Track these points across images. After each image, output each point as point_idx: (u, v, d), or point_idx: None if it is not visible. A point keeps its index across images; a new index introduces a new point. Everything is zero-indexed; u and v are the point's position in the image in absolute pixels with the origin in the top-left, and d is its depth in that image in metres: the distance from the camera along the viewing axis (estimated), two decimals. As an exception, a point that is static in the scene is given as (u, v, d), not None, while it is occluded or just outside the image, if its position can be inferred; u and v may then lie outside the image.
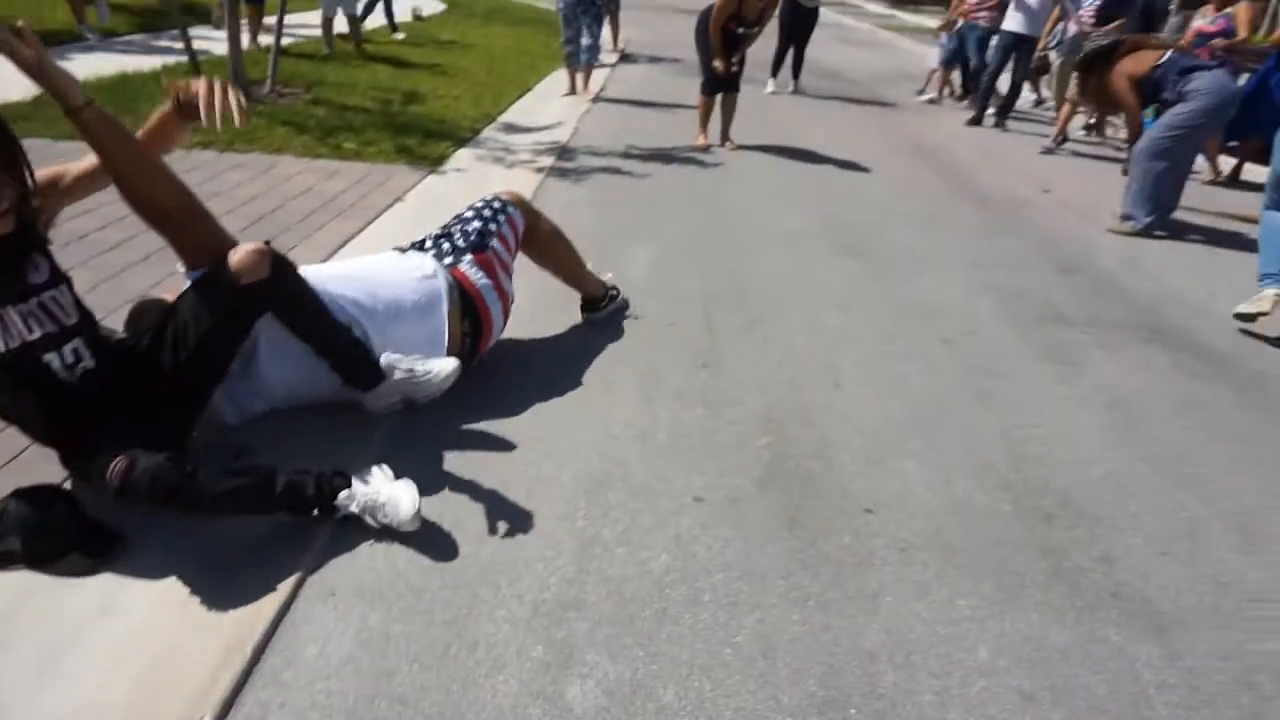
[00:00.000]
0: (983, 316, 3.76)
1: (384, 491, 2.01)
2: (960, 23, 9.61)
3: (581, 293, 3.30)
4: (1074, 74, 6.56)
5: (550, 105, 7.79)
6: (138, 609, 1.77)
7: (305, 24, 9.95)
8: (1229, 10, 7.41)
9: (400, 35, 10.89)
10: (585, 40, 8.15)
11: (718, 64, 6.26)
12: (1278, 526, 2.44)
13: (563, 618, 1.86)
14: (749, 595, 1.98)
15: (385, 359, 2.33)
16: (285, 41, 7.08)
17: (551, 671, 1.72)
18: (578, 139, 6.49)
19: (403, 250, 2.75)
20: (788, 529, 2.23)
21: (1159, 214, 5.26)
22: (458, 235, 2.81)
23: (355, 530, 2.02)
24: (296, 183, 4.69)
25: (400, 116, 6.42)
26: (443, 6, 15.47)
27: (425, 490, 2.14)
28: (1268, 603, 2.12)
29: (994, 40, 8.96)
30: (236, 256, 2.00)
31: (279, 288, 2.09)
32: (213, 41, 8.10)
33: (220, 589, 1.81)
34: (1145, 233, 5.24)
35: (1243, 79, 6.91)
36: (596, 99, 8.24)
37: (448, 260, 2.69)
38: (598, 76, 8.48)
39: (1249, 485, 2.64)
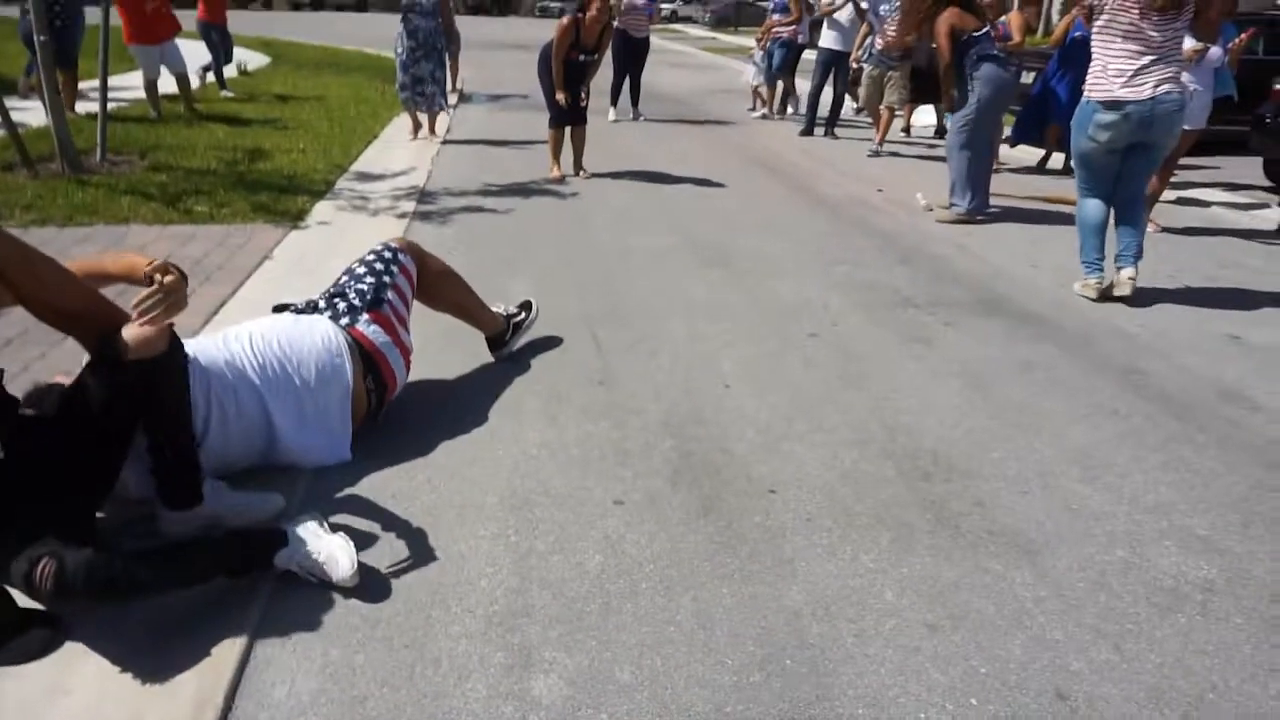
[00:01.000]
0: (841, 310, 4.12)
1: (322, 549, 2.05)
2: (767, 41, 10.45)
3: (483, 331, 3.33)
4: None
5: (399, 151, 7.82)
6: (88, 686, 1.77)
7: (125, 86, 9.55)
8: (1004, 18, 8.29)
9: (229, 93, 10.61)
10: (430, 87, 8.19)
11: (560, 96, 6.48)
12: (1108, 458, 2.84)
13: (515, 625, 1.99)
14: (680, 579, 2.16)
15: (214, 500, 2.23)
16: (109, 107, 6.81)
17: (515, 672, 1.85)
18: (434, 182, 6.56)
19: (298, 310, 2.73)
20: (704, 517, 2.43)
21: (979, 197, 5.86)
22: (351, 294, 2.79)
23: (291, 586, 2.07)
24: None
25: (249, 175, 6.31)
26: (267, 60, 15.12)
27: (358, 527, 2.22)
28: (1109, 519, 2.49)
29: (783, 54, 9.90)
30: (133, 331, 1.96)
31: (169, 368, 2.06)
32: (26, 112, 7.68)
33: (172, 652, 1.83)
34: (970, 216, 5.82)
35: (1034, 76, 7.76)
36: (445, 141, 8.31)
37: (344, 321, 2.69)
38: (441, 119, 8.56)
39: (1082, 428, 3.05)
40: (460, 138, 8.61)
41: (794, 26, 10.28)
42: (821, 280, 4.55)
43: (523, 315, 3.43)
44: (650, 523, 2.39)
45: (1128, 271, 4.38)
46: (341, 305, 2.75)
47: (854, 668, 1.89)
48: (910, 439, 2.91)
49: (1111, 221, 4.44)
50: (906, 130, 9.94)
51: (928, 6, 6.02)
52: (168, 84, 8.88)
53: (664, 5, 40.79)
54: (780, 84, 11.01)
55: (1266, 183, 7.69)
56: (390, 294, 2.85)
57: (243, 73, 12.47)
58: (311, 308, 2.76)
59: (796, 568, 2.22)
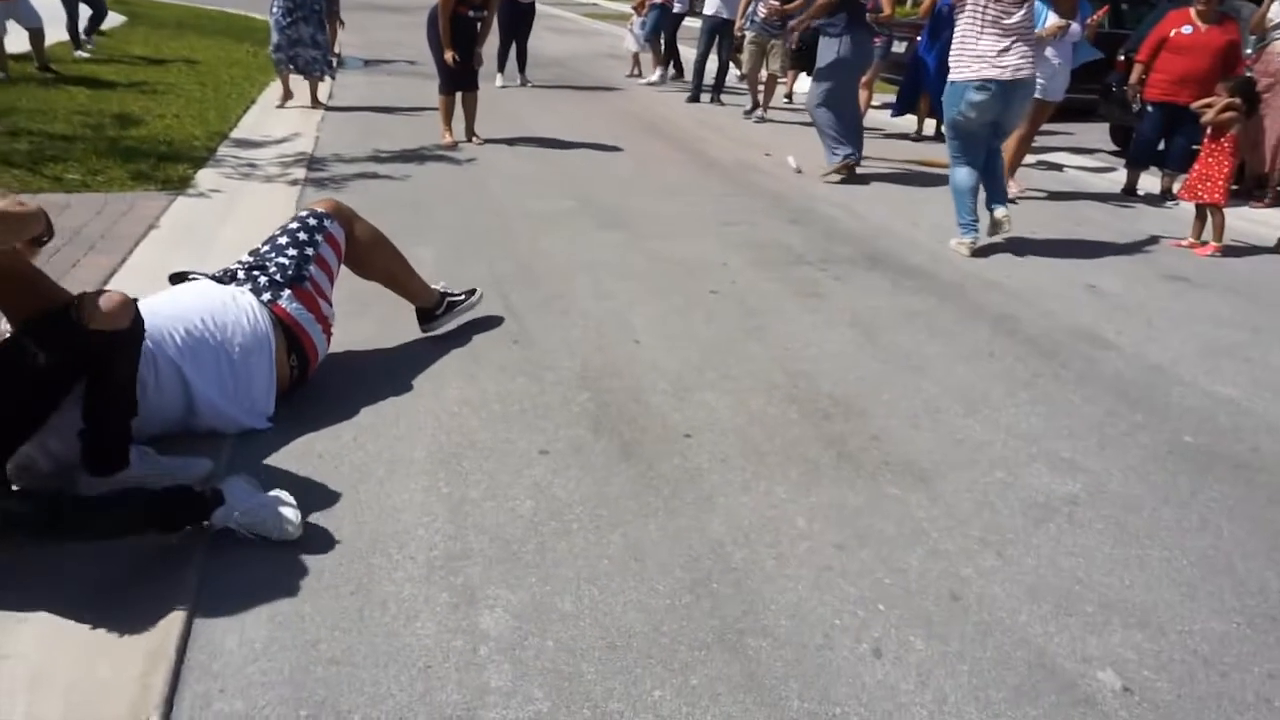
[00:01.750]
0: (739, 267, 4.31)
1: (263, 505, 2.08)
2: (646, 8, 10.60)
3: (413, 302, 3.24)
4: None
5: (280, 117, 7.56)
6: (27, 648, 1.76)
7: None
8: (877, -9, 8.65)
9: (84, 53, 9.92)
10: (311, 51, 7.91)
11: (448, 54, 6.40)
12: (985, 394, 3.13)
13: (456, 567, 2.08)
14: (609, 517, 2.30)
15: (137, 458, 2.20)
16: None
17: (461, 610, 1.94)
18: (322, 148, 6.40)
19: (219, 280, 2.68)
20: (626, 461, 2.57)
21: (854, 147, 6.21)
22: (273, 268, 2.72)
23: (230, 542, 2.09)
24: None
25: (122, 141, 5.99)
26: (122, 19, 14.15)
27: (289, 486, 2.25)
28: (988, 446, 2.76)
29: (656, 19, 10.13)
30: (104, 301, 1.94)
31: (129, 342, 2.05)
32: None
33: (115, 610, 1.84)
34: (849, 165, 6.13)
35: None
36: (328, 108, 8.07)
37: (266, 296, 2.63)
38: (322, 85, 8.27)
39: (962, 368, 3.34)
40: (343, 104, 8.37)
41: None
42: (718, 240, 4.74)
43: (463, 296, 3.35)
44: (575, 468, 2.52)
45: (1001, 210, 4.82)
46: (263, 280, 2.68)
47: (774, 586, 2.08)
48: (810, 383, 3.12)
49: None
50: (789, 97, 10.25)
51: None
52: (16, 42, 8.25)
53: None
54: (661, 49, 11.15)
55: (1113, 146, 8.34)
56: (313, 267, 2.79)
57: (99, 32, 11.66)
58: (230, 277, 2.70)
59: (715, 503, 2.39)
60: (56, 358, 1.91)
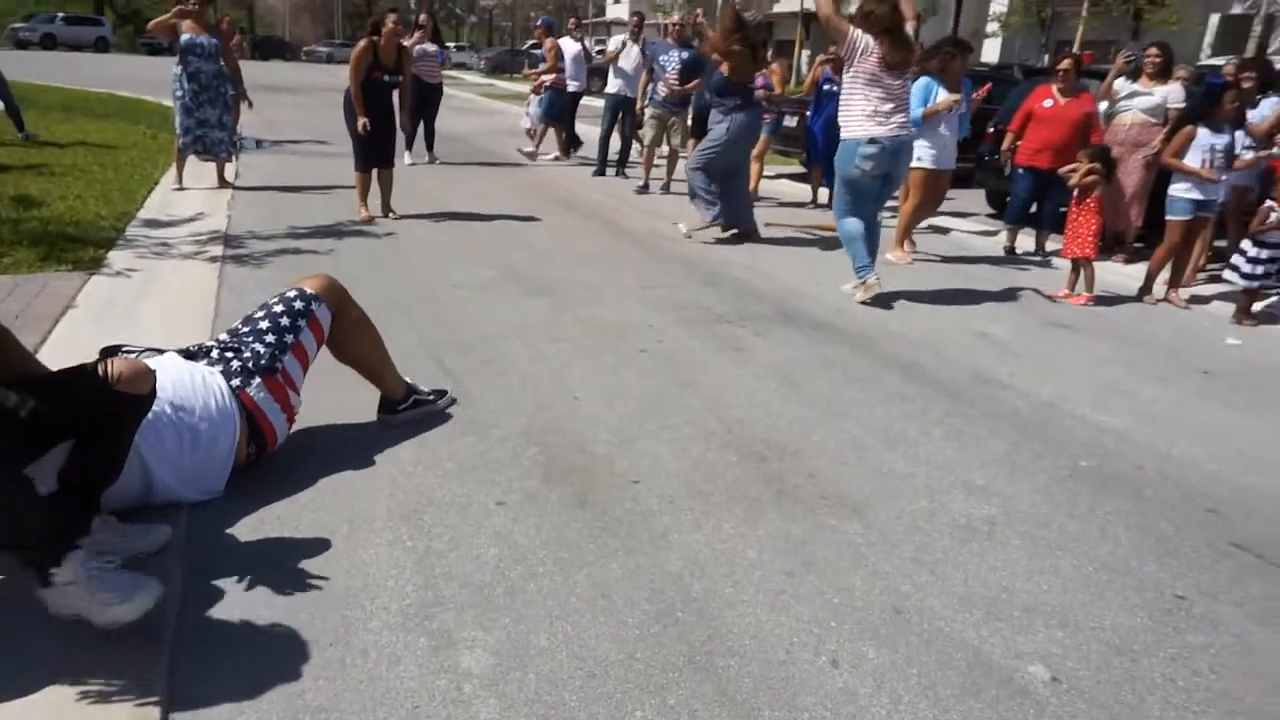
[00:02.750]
0: (663, 327, 4.53)
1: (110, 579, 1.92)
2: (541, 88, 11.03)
3: (381, 390, 3.16)
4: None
5: (187, 197, 7.47)
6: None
7: None
8: (765, 71, 9.26)
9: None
10: (218, 133, 7.90)
11: (361, 123, 6.49)
12: (903, 432, 3.40)
13: (430, 614, 2.15)
14: (571, 560, 2.41)
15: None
16: None
17: (441, 652, 2.02)
18: (236, 226, 6.38)
19: (189, 355, 2.64)
20: (581, 508, 2.69)
21: (717, 208, 6.69)
22: (248, 352, 2.66)
23: (202, 603, 2.12)
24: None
25: (24, 223, 5.84)
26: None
27: (251, 547, 2.29)
28: (911, 478, 3.00)
29: (549, 100, 10.85)
30: (129, 365, 1.96)
31: (141, 409, 2.07)
32: None
33: (91, 682, 1.83)
34: (715, 223, 6.61)
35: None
36: (235, 187, 8.03)
37: (235, 382, 2.59)
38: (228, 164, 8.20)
39: (879, 410, 3.61)
40: (250, 184, 8.34)
41: (555, 75, 10.84)
42: (640, 303, 4.96)
43: (431, 398, 3.28)
44: (533, 517, 2.62)
45: (872, 277, 5.27)
46: (235, 364, 2.63)
47: (734, 611, 2.22)
48: (744, 429, 3.32)
49: None
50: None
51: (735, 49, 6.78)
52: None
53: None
54: (554, 129, 11.51)
55: (989, 210, 9.06)
56: (288, 357, 2.74)
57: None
58: (201, 354, 2.66)
59: (670, 540, 2.54)
60: (70, 411, 1.92)
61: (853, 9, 5.82)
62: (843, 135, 5.16)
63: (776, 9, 33.81)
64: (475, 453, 3.02)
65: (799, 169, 10.12)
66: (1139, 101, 6.47)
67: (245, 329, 2.77)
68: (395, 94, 6.86)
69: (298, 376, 2.80)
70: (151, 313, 4.33)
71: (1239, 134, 5.71)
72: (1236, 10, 19.17)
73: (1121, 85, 6.59)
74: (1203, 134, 5.63)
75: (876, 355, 4.31)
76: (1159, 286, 5.94)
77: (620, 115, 10.07)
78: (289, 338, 2.76)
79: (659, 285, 5.38)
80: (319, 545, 2.40)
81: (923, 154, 6.20)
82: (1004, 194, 8.53)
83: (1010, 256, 7.11)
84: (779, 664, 2.04)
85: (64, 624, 1.91)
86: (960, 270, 6.47)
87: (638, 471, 2.94)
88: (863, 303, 5.17)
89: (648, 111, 9.34)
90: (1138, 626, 2.26)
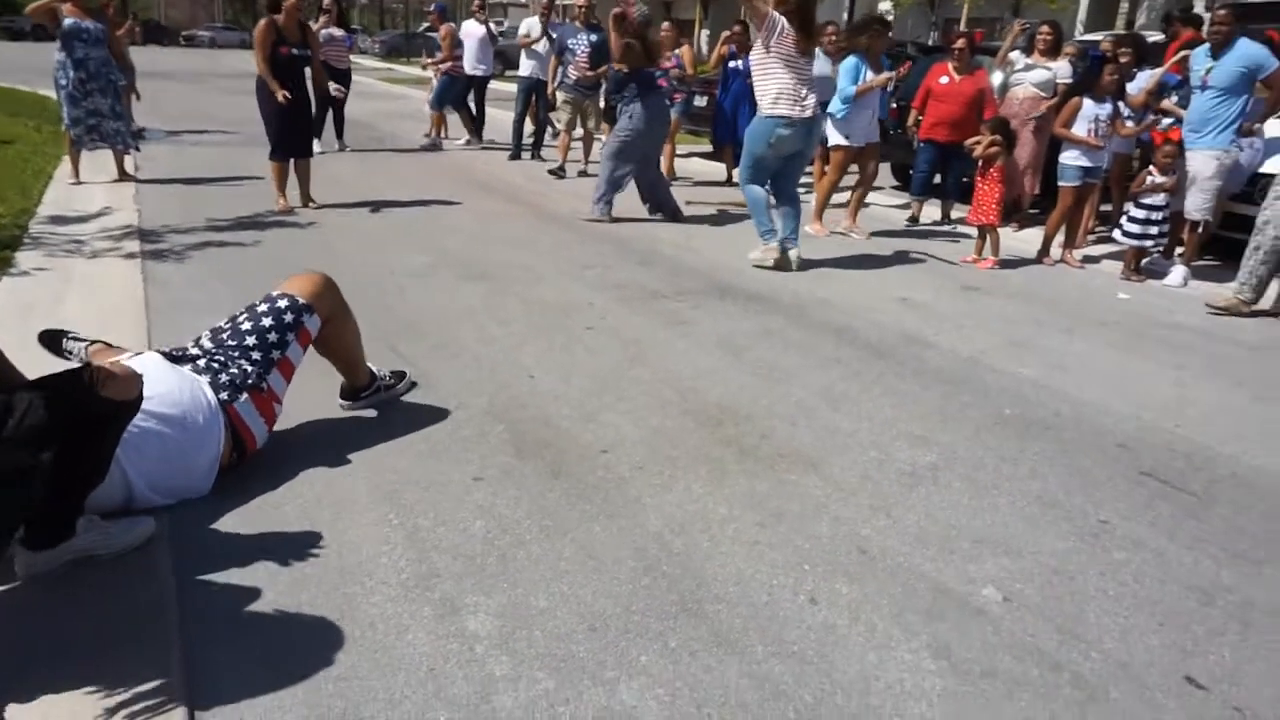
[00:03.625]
0: (605, 305, 4.65)
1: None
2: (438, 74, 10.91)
3: (346, 378, 3.17)
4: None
5: (87, 192, 7.17)
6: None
7: None
8: (677, 51, 9.41)
9: None
10: (112, 123, 7.58)
11: (279, 93, 6.30)
12: (844, 392, 3.62)
13: (429, 584, 2.24)
14: (555, 526, 2.53)
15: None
16: None
17: (446, 619, 2.12)
18: (149, 221, 6.18)
19: (172, 358, 2.62)
20: (555, 479, 2.81)
21: (609, 202, 6.87)
22: (235, 369, 2.63)
23: (199, 595, 2.16)
24: None
25: (-85, 224, 5.55)
26: None
27: (240, 537, 2.33)
28: (857, 433, 3.23)
29: (444, 86, 10.74)
30: (118, 370, 1.95)
31: (128, 415, 2.06)
32: None
33: (102, 683, 1.86)
34: (604, 217, 6.80)
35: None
36: (137, 180, 7.73)
37: (223, 395, 2.57)
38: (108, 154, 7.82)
39: (819, 374, 3.83)
40: (152, 177, 8.03)
41: (451, 63, 10.72)
42: (579, 283, 5.07)
43: (393, 382, 3.32)
44: (512, 489, 2.73)
45: (795, 251, 5.60)
46: (223, 378, 2.61)
47: (715, 562, 2.39)
48: (697, 397, 3.49)
49: (779, 215, 5.67)
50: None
51: (624, 45, 6.95)
52: None
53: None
54: (460, 115, 11.36)
55: (895, 182, 9.47)
56: (274, 373, 2.73)
57: None
58: (187, 359, 2.64)
59: (645, 503, 2.68)
60: (57, 420, 1.86)
61: None
62: (761, 113, 5.37)
63: (674, -13, 33.97)
64: (444, 433, 3.10)
65: (709, 148, 10.32)
66: (1032, 75, 6.90)
67: (231, 341, 2.71)
68: (308, 75, 6.72)
69: (281, 389, 2.79)
70: (76, 312, 4.20)
71: (1120, 105, 6.17)
72: (1106, -13, 20.33)
73: (1016, 58, 7.00)
74: (1087, 105, 6.07)
75: (810, 323, 4.55)
76: (1055, 249, 6.37)
77: (534, 98, 10.07)
78: (276, 354, 2.73)
79: (594, 265, 5.49)
80: (306, 530, 2.45)
81: (850, 131, 6.48)
82: (909, 167, 8.96)
83: (918, 226, 7.48)
84: (763, 605, 2.22)
85: (62, 632, 1.94)
86: (876, 241, 6.79)
87: (604, 442, 3.08)
88: (759, 266, 5.53)
89: (560, 96, 9.34)
90: (1070, 549, 2.53)
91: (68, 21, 7.24)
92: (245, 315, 2.80)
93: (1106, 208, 7.20)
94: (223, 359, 2.66)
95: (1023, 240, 6.76)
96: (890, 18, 20.99)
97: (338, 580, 2.24)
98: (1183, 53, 6.25)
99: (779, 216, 5.69)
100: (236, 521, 2.47)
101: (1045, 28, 7.02)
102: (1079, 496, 2.85)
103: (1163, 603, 2.31)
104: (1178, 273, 5.83)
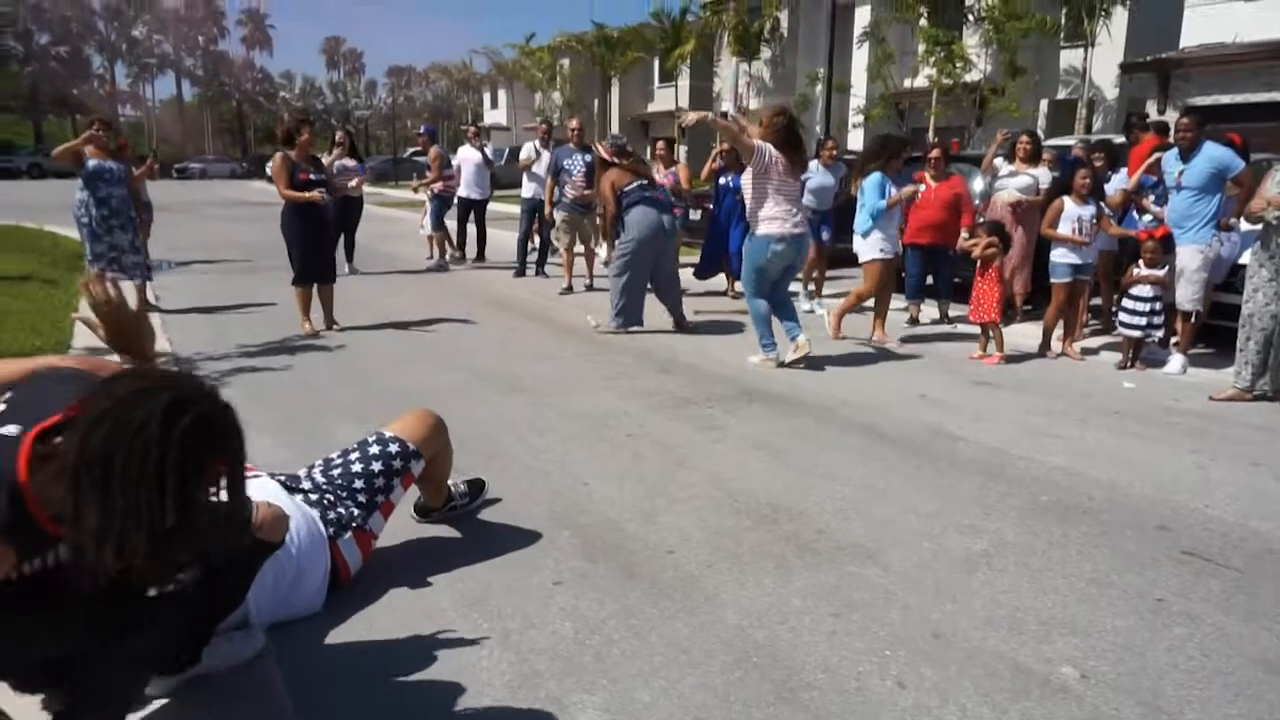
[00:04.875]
0: (640, 413, 4.83)
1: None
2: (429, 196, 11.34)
3: (426, 496, 3.27)
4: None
5: (114, 323, 7.37)
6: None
7: None
8: (673, 169, 9.90)
9: None
10: (132, 257, 7.87)
11: (314, 194, 6.65)
12: (886, 486, 3.78)
13: (533, 684, 2.33)
14: (640, 625, 2.63)
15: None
16: None
17: (557, 718, 2.20)
18: (182, 348, 6.36)
19: (288, 488, 2.69)
20: (630, 580, 2.92)
21: (625, 316, 7.12)
22: (342, 509, 2.73)
23: (315, 710, 2.24)
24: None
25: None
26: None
27: (338, 651, 2.42)
28: (905, 524, 3.37)
29: (436, 206, 11.19)
30: (271, 513, 2.06)
31: (270, 555, 2.18)
32: None
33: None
34: (619, 330, 7.03)
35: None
36: (160, 310, 7.95)
37: (330, 531, 2.67)
38: (128, 287, 8.07)
39: (859, 469, 3.99)
40: (177, 307, 8.26)
41: (441, 183, 11.19)
42: (609, 392, 5.25)
43: (467, 500, 3.41)
44: (592, 591, 2.83)
45: (802, 337, 5.97)
46: (330, 514, 2.70)
47: (800, 651, 2.49)
48: (748, 497, 3.63)
49: (776, 317, 6.06)
50: (606, 263, 11.20)
51: (601, 165, 7.59)
52: None
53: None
54: (457, 232, 11.75)
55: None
56: (377, 515, 2.83)
57: None
58: (300, 490, 2.73)
59: (722, 598, 2.80)
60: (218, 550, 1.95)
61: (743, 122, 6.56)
62: (758, 232, 5.78)
63: (651, 108, 35.58)
64: (514, 541, 3.21)
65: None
66: (1015, 181, 7.34)
67: (341, 480, 2.80)
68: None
69: (380, 527, 2.88)
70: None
71: (1102, 205, 6.58)
72: (1061, 96, 21.58)
73: (1000, 164, 7.47)
74: (1069, 207, 6.47)
75: (839, 422, 4.73)
76: (1055, 343, 6.66)
77: (537, 217, 10.50)
78: (381, 498, 2.83)
79: (619, 375, 5.69)
80: (404, 640, 2.54)
81: (884, 245, 6.83)
82: (896, 269, 9.35)
83: (918, 327, 7.78)
84: (854, 690, 2.32)
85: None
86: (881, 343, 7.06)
87: (669, 543, 3.20)
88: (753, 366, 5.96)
89: (558, 216, 9.68)
90: (1134, 626, 2.65)
91: (91, 163, 7.63)
92: (357, 455, 2.88)
93: (1096, 301, 7.55)
94: (332, 498, 2.75)
95: (1023, 335, 7.04)
96: (861, 130, 22.11)
97: (445, 685, 2.33)
98: (1156, 154, 6.69)
99: (779, 324, 6.08)
100: (337, 637, 2.56)
101: (1025, 137, 7.53)
102: (1130, 575, 2.99)
103: (1233, 675, 2.43)
104: (1176, 361, 6.10)
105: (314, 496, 2.73)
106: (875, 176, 6.80)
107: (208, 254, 11.92)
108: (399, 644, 2.51)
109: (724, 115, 5.74)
